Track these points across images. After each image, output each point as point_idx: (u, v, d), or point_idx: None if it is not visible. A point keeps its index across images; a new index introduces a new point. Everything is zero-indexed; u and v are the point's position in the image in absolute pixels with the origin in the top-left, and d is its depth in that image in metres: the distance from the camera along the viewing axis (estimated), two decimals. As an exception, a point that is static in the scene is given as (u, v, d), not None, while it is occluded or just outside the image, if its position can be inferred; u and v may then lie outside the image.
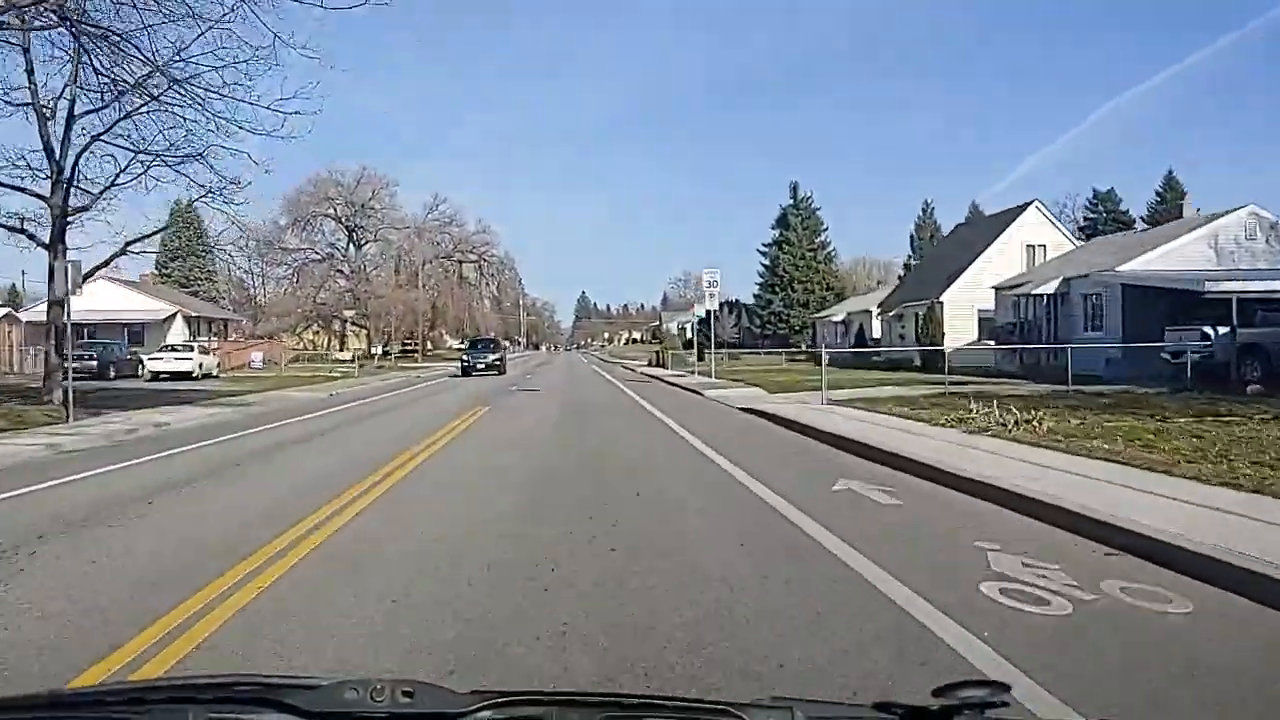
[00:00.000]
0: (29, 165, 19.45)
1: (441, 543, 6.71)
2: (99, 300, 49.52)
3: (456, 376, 40.91)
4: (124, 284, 51.20)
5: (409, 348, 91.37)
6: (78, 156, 20.03)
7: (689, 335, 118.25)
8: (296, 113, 20.80)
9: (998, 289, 35.20)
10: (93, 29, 17.13)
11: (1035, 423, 12.16)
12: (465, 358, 42.40)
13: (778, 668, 3.92)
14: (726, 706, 1.40)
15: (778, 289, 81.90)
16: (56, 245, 19.66)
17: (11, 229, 20.06)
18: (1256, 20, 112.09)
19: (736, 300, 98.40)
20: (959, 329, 38.98)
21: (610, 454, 12.15)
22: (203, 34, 16.71)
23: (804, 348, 79.97)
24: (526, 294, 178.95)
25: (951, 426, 13.10)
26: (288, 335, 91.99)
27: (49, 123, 19.52)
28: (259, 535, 6.99)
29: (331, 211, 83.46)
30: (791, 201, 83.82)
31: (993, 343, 37.50)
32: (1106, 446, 10.02)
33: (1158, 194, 78.21)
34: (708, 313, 36.38)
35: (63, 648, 4.37)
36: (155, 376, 37.76)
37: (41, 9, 15.78)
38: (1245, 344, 21.51)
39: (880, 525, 7.11)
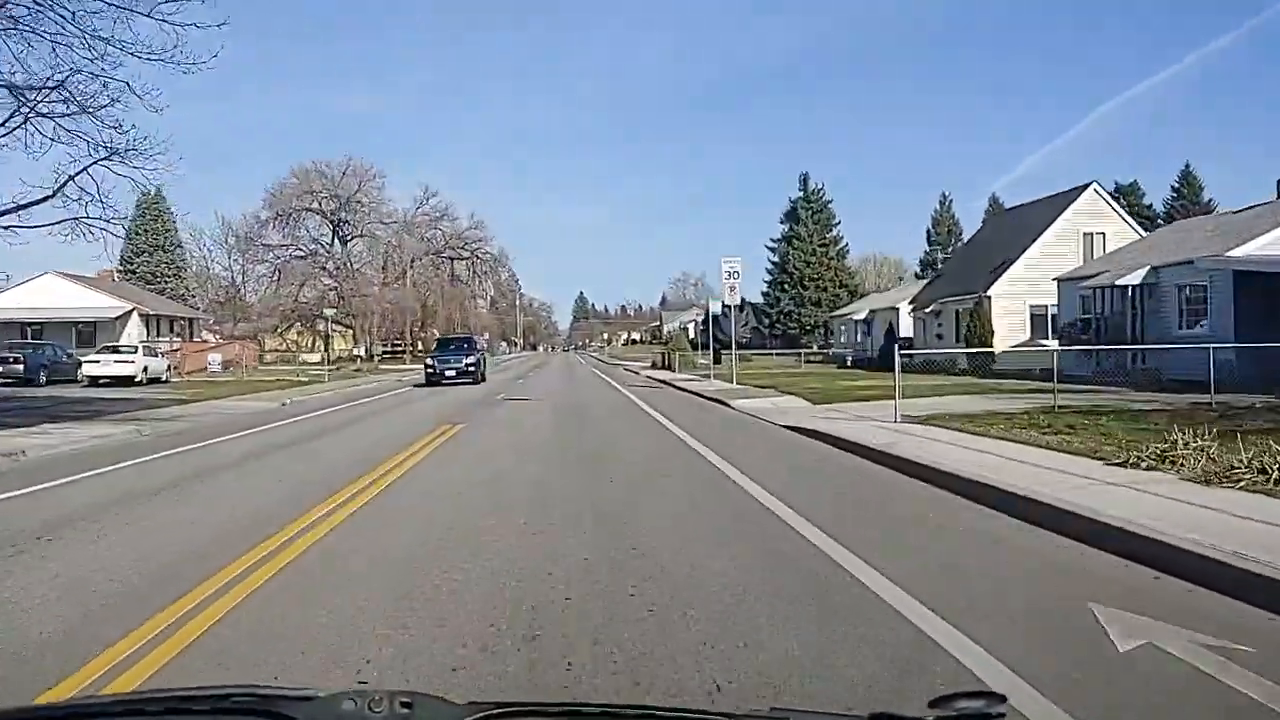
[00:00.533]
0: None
1: None
2: (48, 296, 44.91)
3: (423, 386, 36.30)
4: (76, 279, 46.50)
5: (398, 348, 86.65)
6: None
7: (691, 335, 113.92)
8: (193, 25, 16.04)
9: (1061, 280, 30.56)
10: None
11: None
12: (431, 362, 33.69)
13: None
14: (725, 717, 1.40)
15: (787, 286, 77.25)
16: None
17: None
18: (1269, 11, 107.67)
19: (742, 299, 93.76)
20: (1008, 327, 34.36)
21: (642, 520, 7.49)
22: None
23: (815, 348, 75.45)
24: (524, 294, 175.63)
25: (1162, 468, 8.45)
26: (271, 336, 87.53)
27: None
28: None
29: (316, 205, 78.75)
30: (801, 194, 79.21)
31: (1052, 343, 32.84)
32: None
33: (1174, 189, 73.84)
34: (725, 308, 31.76)
35: None
36: (94, 382, 33.06)
37: None
38: None
39: None
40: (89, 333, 44.33)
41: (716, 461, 11.14)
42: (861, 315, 53.65)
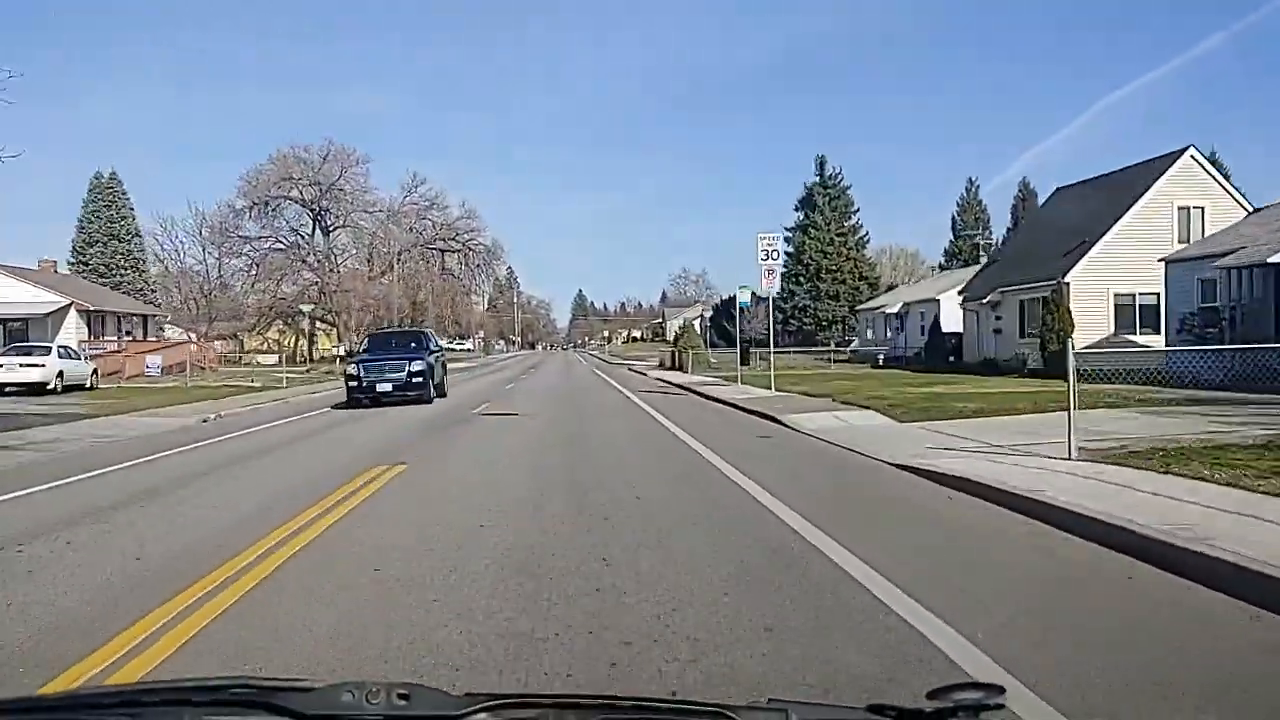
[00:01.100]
0: None
1: None
2: (-27, 290, 39.38)
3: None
4: (9, 271, 40.95)
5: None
6: None
7: (697, 332, 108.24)
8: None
9: (1170, 261, 25.08)
10: None
11: None
12: (355, 371, 22.07)
13: None
14: (722, 709, 1.38)
15: (803, 279, 71.65)
16: None
17: None
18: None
19: (753, 293, 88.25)
20: (1088, 319, 28.89)
21: None
22: None
23: (832, 345, 69.93)
24: (522, 292, 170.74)
25: None
26: (251, 335, 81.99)
27: None
28: None
29: (295, 193, 73.21)
30: (818, 179, 73.66)
31: (1148, 337, 27.40)
32: None
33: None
34: (754, 298, 26.34)
35: None
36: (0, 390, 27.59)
37: None
38: None
39: None
40: (21, 331, 38.82)
41: (878, 587, 5.50)
42: (894, 308, 48.19)
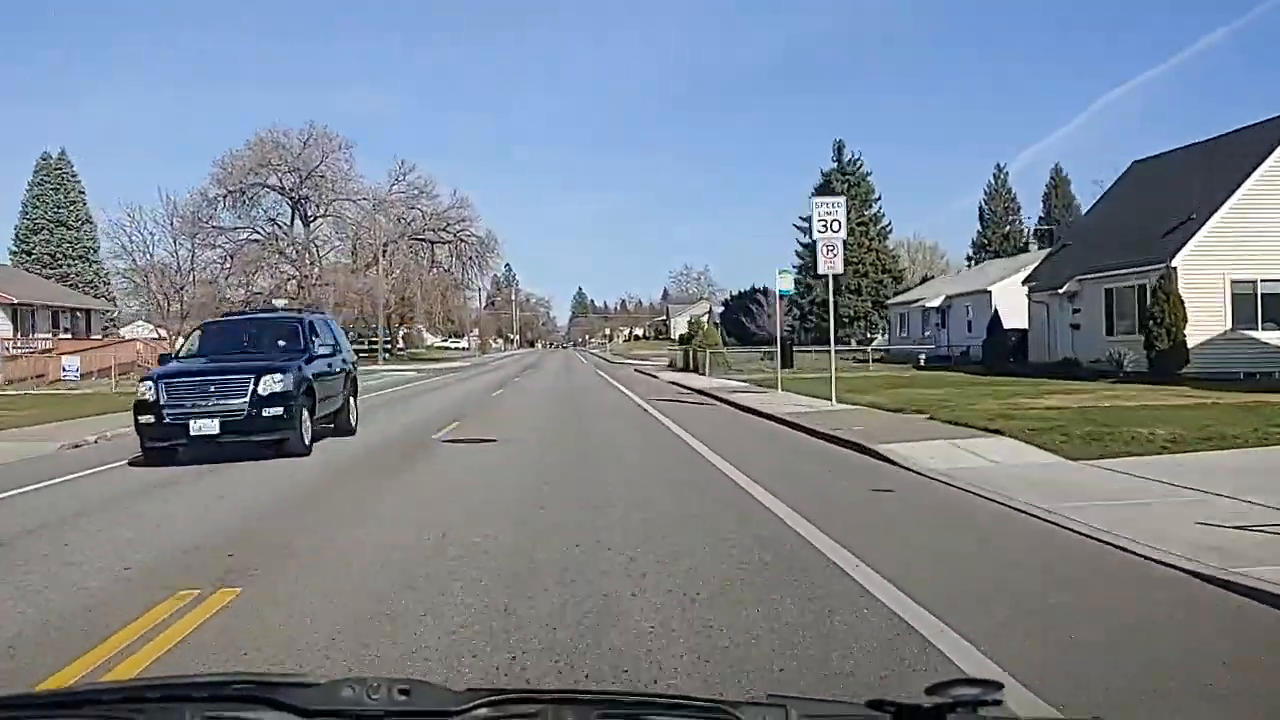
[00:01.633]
0: None
1: None
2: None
3: (365, 396, 25.31)
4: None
5: (376, 345, 75.82)
6: None
7: (704, 329, 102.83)
8: None
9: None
10: None
11: None
12: (151, 392, 11.70)
13: None
14: (721, 704, 1.39)
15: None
16: None
17: None
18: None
19: (764, 288, 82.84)
20: (1200, 311, 23.66)
21: None
22: None
23: (854, 343, 64.67)
24: (521, 290, 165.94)
25: None
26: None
27: None
28: None
29: (274, 181, 67.94)
30: (835, 165, 68.37)
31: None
32: None
33: None
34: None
35: None
36: None
37: None
38: None
39: None
40: (-66, 327, 33.58)
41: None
42: (934, 302, 42.88)
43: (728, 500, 8.44)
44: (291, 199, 67.93)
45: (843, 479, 9.77)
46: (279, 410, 11.55)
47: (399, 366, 58.09)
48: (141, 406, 11.73)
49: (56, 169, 46.98)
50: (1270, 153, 24.66)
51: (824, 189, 68.45)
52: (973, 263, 69.48)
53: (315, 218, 69.25)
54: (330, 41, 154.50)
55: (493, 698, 1.35)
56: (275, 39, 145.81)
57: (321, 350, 13.65)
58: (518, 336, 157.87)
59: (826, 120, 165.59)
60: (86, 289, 47.79)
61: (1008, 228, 70.61)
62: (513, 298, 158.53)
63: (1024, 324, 33.01)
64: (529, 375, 41.64)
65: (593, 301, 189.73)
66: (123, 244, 66.83)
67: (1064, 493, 7.99)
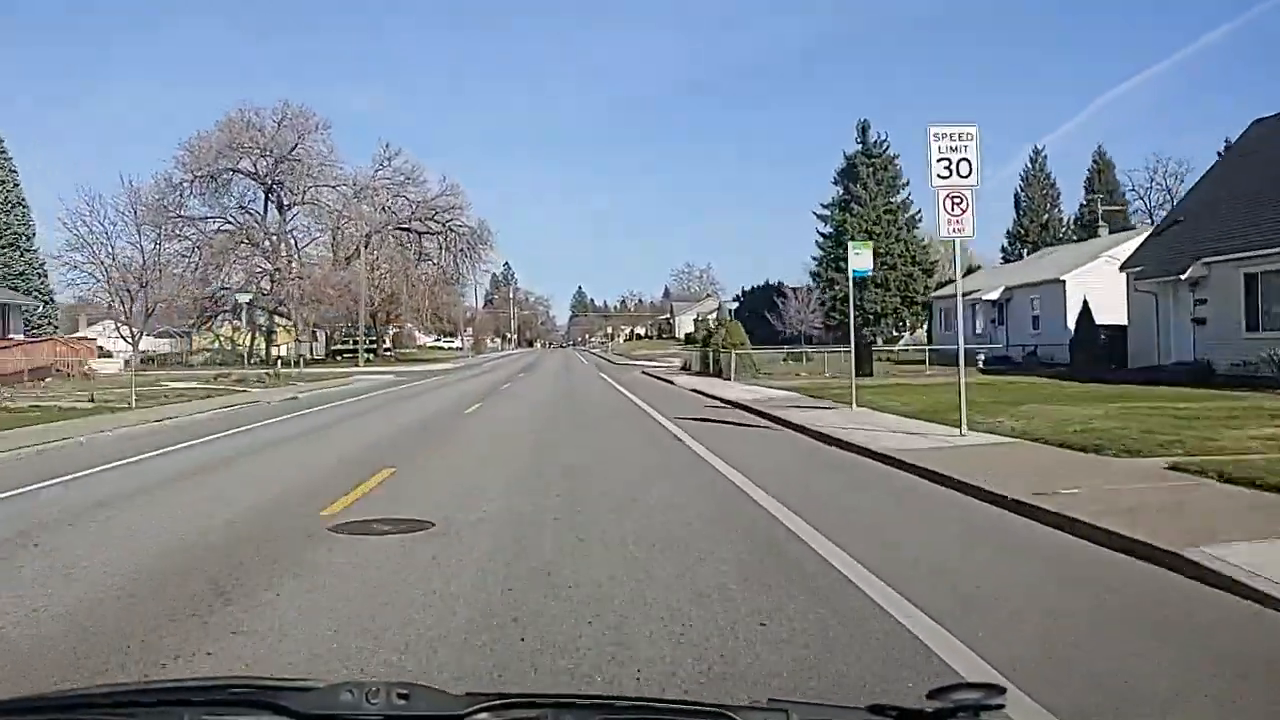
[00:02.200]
0: None
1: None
2: None
3: (288, 417, 19.54)
4: None
5: (366, 344, 69.92)
6: None
7: (711, 328, 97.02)
8: None
9: None
10: None
11: None
12: None
13: None
14: (722, 709, 1.37)
15: (844, 264, 60.04)
16: None
17: None
18: None
19: (779, 283, 76.99)
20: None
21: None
22: None
23: (880, 341, 58.81)
24: (520, 288, 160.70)
25: None
26: (200, 332, 70.83)
27: None
28: None
29: (246, 165, 62.07)
30: (860, 147, 62.35)
31: None
32: None
33: None
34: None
35: None
36: None
37: None
38: None
39: None
40: None
41: None
42: (992, 294, 36.96)
43: None
44: (265, 184, 62.06)
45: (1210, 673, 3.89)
46: None
47: (380, 369, 52.23)
48: None
49: (-19, 148, 41.18)
50: None
51: (847, 173, 62.67)
52: (1008, 255, 63.70)
53: (291, 205, 63.39)
54: (329, 40, 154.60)
55: (493, 702, 1.33)
56: (273, 37, 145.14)
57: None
58: (516, 336, 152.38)
59: (830, 119, 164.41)
60: (15, 281, 41.88)
61: (1046, 216, 64.75)
62: (511, 296, 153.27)
63: (1114, 318, 27.20)
64: (521, 381, 35.83)
65: (592, 300, 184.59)
66: (81, 235, 61.63)
67: None
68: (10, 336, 34.17)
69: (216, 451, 12.93)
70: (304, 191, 62.33)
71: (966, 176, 11.85)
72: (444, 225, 66.09)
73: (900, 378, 26.66)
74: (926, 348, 46.51)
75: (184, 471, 10.85)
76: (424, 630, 4.45)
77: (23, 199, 44.14)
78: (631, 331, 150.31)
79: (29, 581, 5.63)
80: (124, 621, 4.70)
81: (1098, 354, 26.46)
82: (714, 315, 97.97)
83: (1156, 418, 12.67)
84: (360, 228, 63.15)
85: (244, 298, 47.31)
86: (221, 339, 68.11)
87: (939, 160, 11.86)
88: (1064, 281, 32.28)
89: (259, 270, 61.06)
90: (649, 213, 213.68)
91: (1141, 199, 67.09)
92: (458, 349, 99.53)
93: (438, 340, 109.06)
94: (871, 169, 61.56)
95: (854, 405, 16.14)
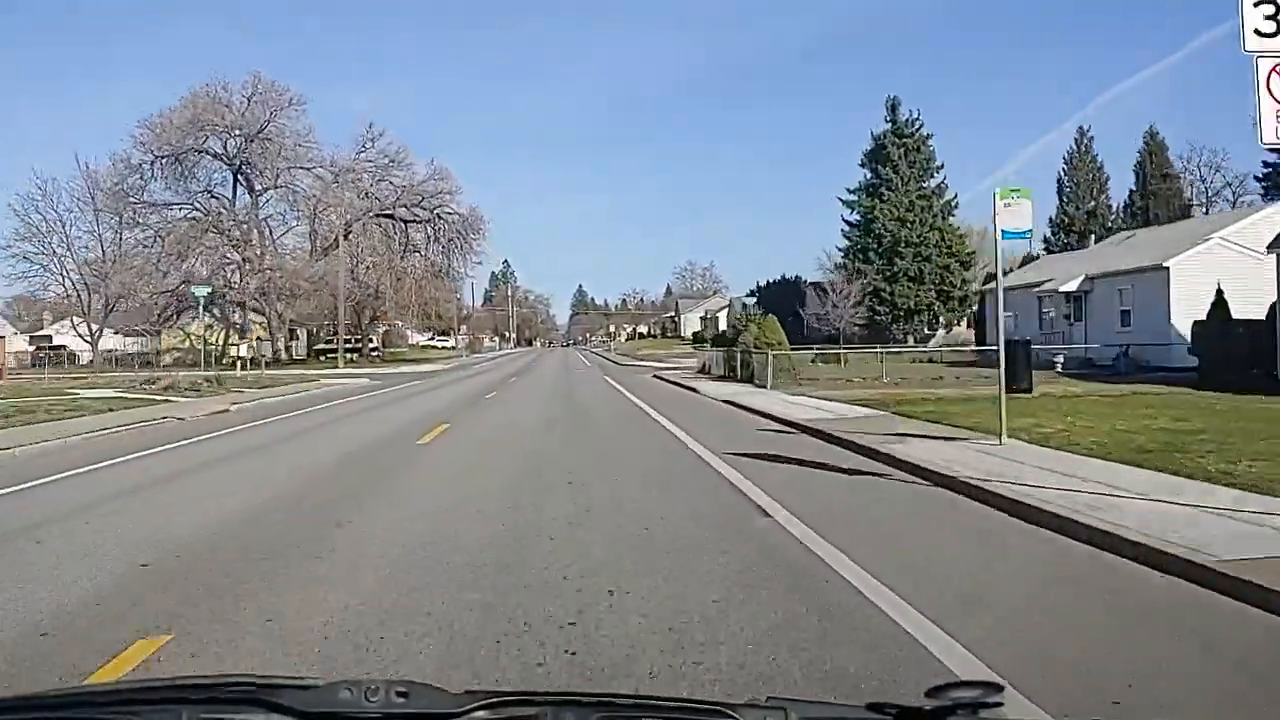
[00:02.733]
0: None
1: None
2: None
3: (163, 449, 13.70)
4: None
5: (351, 343, 64.24)
6: None
7: (721, 327, 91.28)
8: None
9: None
10: None
11: None
12: None
13: None
14: (721, 707, 1.36)
15: (874, 254, 54.53)
16: None
17: None
18: None
19: (796, 277, 71.13)
20: None
21: None
22: None
23: (911, 340, 53.16)
24: (519, 287, 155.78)
25: None
26: (169, 330, 65.11)
27: None
28: None
29: (213, 145, 56.45)
30: (889, 126, 56.54)
31: None
32: None
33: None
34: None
35: None
36: None
37: None
38: None
39: None
40: None
41: None
42: (1069, 285, 31.18)
43: None
44: (233, 166, 56.40)
45: None
46: None
47: (358, 372, 46.52)
48: None
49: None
50: None
51: (876, 155, 56.84)
52: (1052, 246, 57.94)
53: (264, 190, 57.71)
54: (328, 40, 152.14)
55: (490, 700, 1.32)
56: (271, 36, 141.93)
57: None
58: (514, 335, 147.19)
59: (830, 120, 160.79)
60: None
61: (1093, 203, 59.01)
62: (510, 294, 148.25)
63: (1243, 311, 21.51)
64: (513, 386, 30.17)
65: (593, 299, 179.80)
66: (32, 224, 55.97)
67: None
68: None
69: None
70: (277, 174, 56.66)
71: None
72: (432, 212, 60.26)
73: (962, 388, 21.03)
74: (973, 348, 40.92)
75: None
76: None
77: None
78: (633, 330, 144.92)
79: None
80: None
81: (1235, 356, 20.78)
82: (725, 312, 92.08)
83: None
84: (340, 215, 57.44)
85: (201, 291, 41.51)
86: (192, 338, 62.39)
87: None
88: (1167, 269, 26.59)
89: (227, 261, 55.39)
90: (649, 212, 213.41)
91: (1198, 185, 61.47)
92: (451, 349, 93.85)
93: (432, 339, 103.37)
94: (903, 150, 55.79)
95: (1003, 437, 10.45)
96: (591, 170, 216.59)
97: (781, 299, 62.50)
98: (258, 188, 57.52)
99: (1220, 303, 21.93)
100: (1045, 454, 9.60)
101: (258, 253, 55.74)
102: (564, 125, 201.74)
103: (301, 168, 56.88)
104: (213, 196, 57.04)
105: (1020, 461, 9.07)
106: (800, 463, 10.22)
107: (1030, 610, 4.69)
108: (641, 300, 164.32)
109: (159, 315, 56.73)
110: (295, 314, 59.70)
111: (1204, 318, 22.72)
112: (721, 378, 30.44)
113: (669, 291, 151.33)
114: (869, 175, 56.93)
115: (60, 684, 3.62)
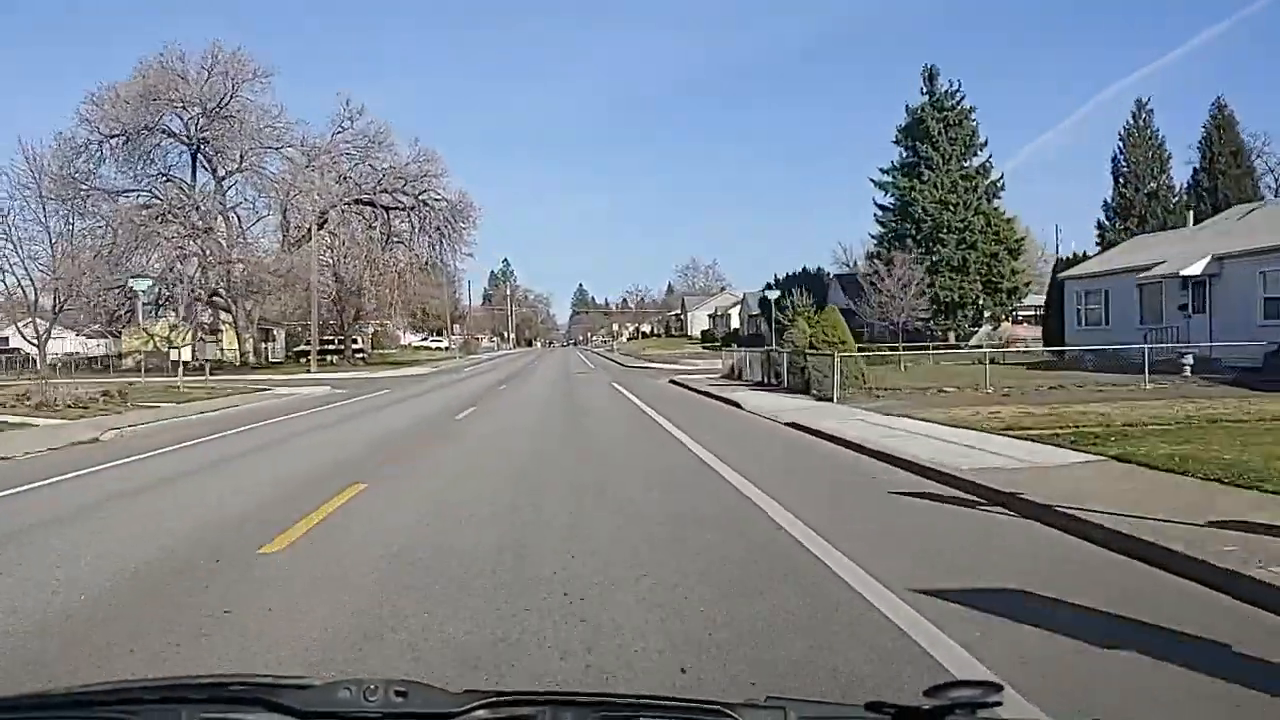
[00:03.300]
0: None
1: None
2: None
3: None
4: None
5: (333, 344, 58.23)
6: None
7: (734, 325, 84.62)
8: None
9: None
10: None
11: None
12: None
13: None
14: (721, 706, 1.35)
15: (912, 241, 48.09)
16: None
17: None
18: None
19: (818, 269, 64.95)
20: None
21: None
22: None
23: (953, 338, 47.08)
24: (519, 286, 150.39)
25: None
26: (132, 331, 59.02)
27: None
28: None
29: (172, 123, 50.39)
30: (927, 97, 50.36)
31: None
32: None
33: None
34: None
35: None
36: None
37: None
38: None
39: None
40: None
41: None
42: (1193, 268, 24.98)
43: None
44: (192, 145, 50.31)
45: None
46: None
47: (328, 377, 40.48)
48: None
49: None
50: None
51: (912, 130, 50.58)
52: (1106, 233, 51.80)
53: (228, 174, 51.56)
54: (327, 39, 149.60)
55: (490, 699, 1.32)
56: (270, 35, 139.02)
57: None
58: (513, 334, 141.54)
59: (832, 119, 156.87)
60: None
61: (1154, 184, 52.87)
62: (509, 293, 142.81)
63: None
64: (503, 395, 24.12)
65: (594, 298, 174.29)
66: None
67: None
68: None
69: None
70: (242, 156, 50.49)
71: None
72: (416, 198, 53.98)
73: (1168, 405, 14.87)
74: (1043, 348, 34.89)
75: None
76: None
77: None
78: (636, 329, 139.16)
79: None
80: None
81: None
82: (737, 309, 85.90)
83: None
84: (314, 201, 51.33)
85: (140, 284, 35.62)
86: (156, 339, 56.30)
87: None
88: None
89: (186, 253, 49.23)
90: (650, 212, 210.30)
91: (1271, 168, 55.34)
92: (444, 349, 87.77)
93: (425, 339, 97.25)
94: (943, 125, 49.63)
95: None
96: (591, 170, 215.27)
97: (804, 292, 56.53)
98: (221, 171, 51.47)
99: None
100: None
101: (223, 244, 49.67)
102: (564, 125, 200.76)
103: (270, 148, 50.78)
104: (170, 181, 50.90)
105: None
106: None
107: None
108: (643, 299, 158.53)
109: (111, 315, 50.62)
110: (267, 312, 53.69)
111: None
112: (760, 385, 24.37)
113: (671, 290, 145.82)
114: (905, 153, 50.67)
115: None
